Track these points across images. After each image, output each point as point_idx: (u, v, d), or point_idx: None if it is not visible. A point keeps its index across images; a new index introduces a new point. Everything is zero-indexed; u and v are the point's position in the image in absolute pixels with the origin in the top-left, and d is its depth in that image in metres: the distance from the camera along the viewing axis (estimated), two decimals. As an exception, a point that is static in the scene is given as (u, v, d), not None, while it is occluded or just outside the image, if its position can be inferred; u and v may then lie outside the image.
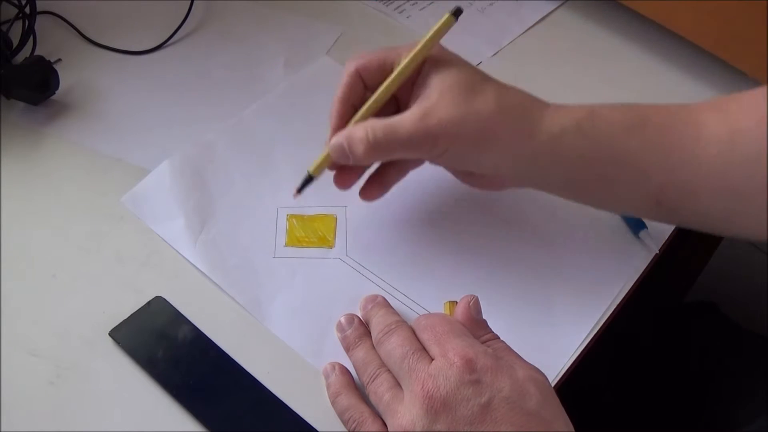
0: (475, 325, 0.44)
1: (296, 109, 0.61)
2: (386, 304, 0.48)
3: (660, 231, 0.54)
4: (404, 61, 0.47)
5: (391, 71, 0.48)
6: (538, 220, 0.55)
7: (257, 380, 0.46)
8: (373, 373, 0.43)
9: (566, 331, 0.49)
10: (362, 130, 0.47)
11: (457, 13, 0.47)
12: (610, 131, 0.46)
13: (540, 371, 0.42)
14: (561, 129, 0.46)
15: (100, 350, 0.47)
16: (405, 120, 0.46)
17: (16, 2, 0.61)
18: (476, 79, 0.47)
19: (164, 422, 0.44)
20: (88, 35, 0.65)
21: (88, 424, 0.44)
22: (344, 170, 0.51)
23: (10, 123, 0.58)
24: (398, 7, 0.71)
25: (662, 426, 0.63)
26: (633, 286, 0.52)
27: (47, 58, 0.59)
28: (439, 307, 0.48)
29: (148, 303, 0.49)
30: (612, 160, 0.47)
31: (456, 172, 0.51)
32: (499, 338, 0.44)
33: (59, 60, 0.62)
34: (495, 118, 0.46)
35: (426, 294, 0.51)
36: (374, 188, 0.52)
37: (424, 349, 0.42)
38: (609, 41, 0.70)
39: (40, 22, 0.63)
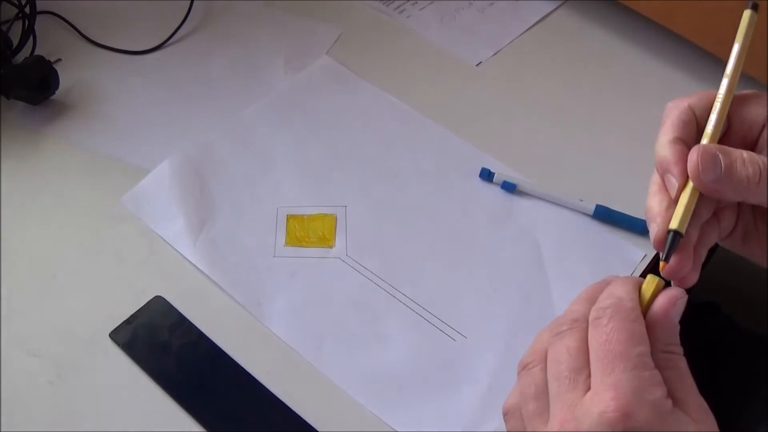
0: (666, 333, 0.36)
1: (296, 109, 0.61)
2: (590, 290, 0.38)
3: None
4: (731, 64, 0.40)
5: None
6: (539, 220, 0.55)
7: (257, 380, 0.46)
8: (531, 363, 0.36)
9: (567, 330, 0.49)
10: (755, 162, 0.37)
11: (755, 6, 0.39)
12: None
13: None
14: None
15: (100, 350, 0.47)
16: None
17: (16, 2, 0.61)
18: None
19: (164, 422, 0.44)
20: (88, 35, 0.65)
21: (87, 424, 0.44)
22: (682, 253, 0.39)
23: (10, 123, 0.58)
24: (398, 7, 0.71)
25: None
26: (633, 285, 0.52)
27: (47, 58, 0.59)
28: (439, 307, 0.48)
29: (148, 303, 0.49)
30: None
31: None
32: (682, 353, 0.35)
33: (59, 60, 0.62)
34: None
35: (426, 294, 0.50)
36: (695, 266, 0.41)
37: (585, 367, 0.35)
38: (609, 41, 0.70)
39: (40, 22, 0.63)
